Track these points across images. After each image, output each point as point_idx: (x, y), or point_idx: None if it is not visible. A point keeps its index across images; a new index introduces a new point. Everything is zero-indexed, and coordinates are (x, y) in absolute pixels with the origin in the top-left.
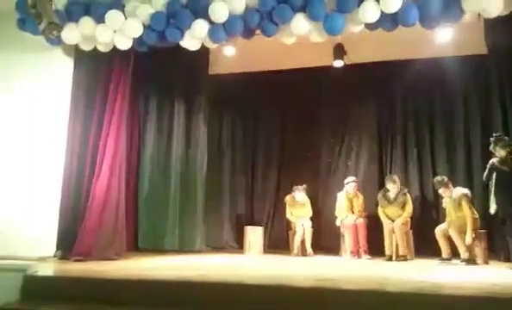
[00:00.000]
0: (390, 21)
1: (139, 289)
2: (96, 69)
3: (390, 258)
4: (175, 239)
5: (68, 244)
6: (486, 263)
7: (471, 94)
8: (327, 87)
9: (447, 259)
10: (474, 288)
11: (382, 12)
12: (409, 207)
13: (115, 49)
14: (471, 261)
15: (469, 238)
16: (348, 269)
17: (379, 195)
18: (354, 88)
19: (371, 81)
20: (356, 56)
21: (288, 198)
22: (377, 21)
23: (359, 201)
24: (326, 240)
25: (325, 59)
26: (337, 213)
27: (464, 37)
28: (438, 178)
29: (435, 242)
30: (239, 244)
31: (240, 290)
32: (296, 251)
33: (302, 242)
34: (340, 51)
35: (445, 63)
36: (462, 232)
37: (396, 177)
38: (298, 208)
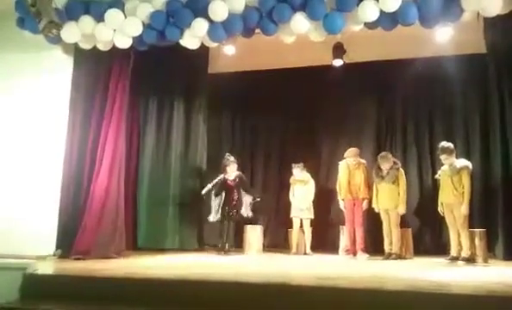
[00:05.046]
0: (389, 20)
1: (138, 288)
2: (95, 68)
3: (390, 256)
4: (175, 238)
5: (68, 242)
6: (486, 261)
7: (470, 93)
8: (327, 86)
9: (456, 258)
10: (474, 286)
11: (381, 11)
12: (403, 184)
13: (114, 48)
14: (470, 260)
15: (465, 208)
16: (347, 267)
17: (373, 172)
18: (354, 87)
19: (370, 80)
20: (355, 55)
21: (291, 178)
22: (377, 20)
23: (359, 174)
24: (325, 239)
25: (324, 58)
26: (338, 188)
27: (463, 36)
28: (444, 144)
29: (434, 241)
30: (239, 243)
31: (238, 289)
32: (294, 249)
33: (301, 241)
34: (339, 50)
35: (444, 62)
36: (455, 211)
37: (389, 155)
38: (300, 187)
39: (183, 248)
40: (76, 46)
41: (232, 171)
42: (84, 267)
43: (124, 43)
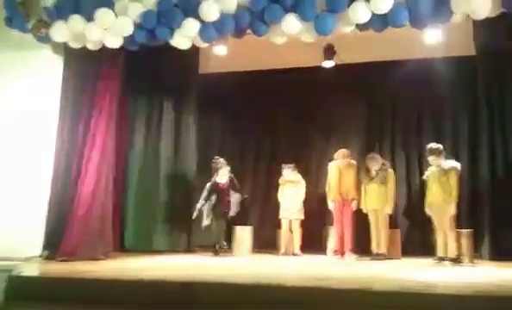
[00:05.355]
0: (380, 21)
1: (124, 289)
2: (85, 67)
3: (378, 256)
4: (163, 239)
5: (55, 244)
6: (472, 262)
7: (459, 95)
8: (318, 87)
9: (442, 258)
10: (461, 286)
11: (372, 13)
12: (391, 184)
13: (104, 47)
14: (457, 260)
15: (452, 208)
16: (335, 268)
17: (362, 173)
18: (344, 88)
19: (360, 81)
20: (346, 56)
21: (280, 179)
22: (368, 21)
23: (349, 176)
24: (313, 240)
25: (315, 59)
26: (327, 189)
27: (453, 38)
28: (432, 146)
29: (422, 241)
30: (228, 244)
31: (227, 290)
32: (283, 250)
33: (290, 242)
34: (330, 51)
35: (434, 64)
36: (443, 212)
37: (377, 156)
38: (289, 187)
39: (171, 249)
40: (65, 45)
41: (224, 174)
42: (71, 269)
43: (114, 43)
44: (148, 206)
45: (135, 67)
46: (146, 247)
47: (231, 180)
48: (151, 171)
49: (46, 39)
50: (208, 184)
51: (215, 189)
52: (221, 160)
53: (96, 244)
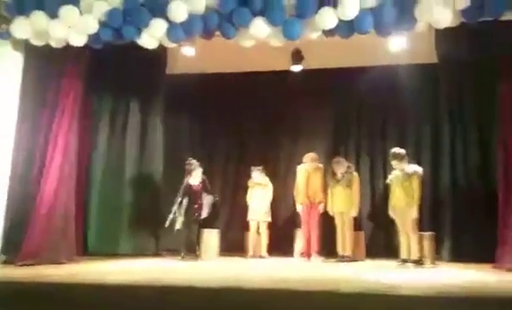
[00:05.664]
0: (346, 28)
1: (88, 294)
2: (47, 65)
3: (343, 258)
4: (128, 243)
5: (14, 248)
6: (433, 264)
7: (422, 101)
8: (286, 90)
9: (405, 260)
10: (424, 287)
11: (339, 19)
12: (357, 187)
13: (68, 45)
14: (419, 262)
15: (414, 211)
16: (302, 270)
17: (328, 176)
18: (311, 92)
19: (327, 86)
20: (313, 61)
21: (249, 181)
22: (334, 27)
23: (317, 179)
24: (281, 242)
25: (283, 63)
26: (295, 192)
27: (417, 46)
28: (395, 150)
29: (385, 243)
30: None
31: (193, 294)
32: (251, 252)
33: (258, 244)
34: (298, 56)
35: (398, 71)
36: (405, 215)
37: (342, 159)
38: (259, 190)
39: (137, 253)
40: (26, 42)
41: (197, 176)
42: (32, 273)
43: (79, 41)
44: (113, 208)
45: (100, 66)
46: (110, 250)
47: (203, 182)
48: (116, 172)
49: (5, 35)
50: (179, 194)
51: (188, 191)
52: (195, 162)
53: (59, 244)
